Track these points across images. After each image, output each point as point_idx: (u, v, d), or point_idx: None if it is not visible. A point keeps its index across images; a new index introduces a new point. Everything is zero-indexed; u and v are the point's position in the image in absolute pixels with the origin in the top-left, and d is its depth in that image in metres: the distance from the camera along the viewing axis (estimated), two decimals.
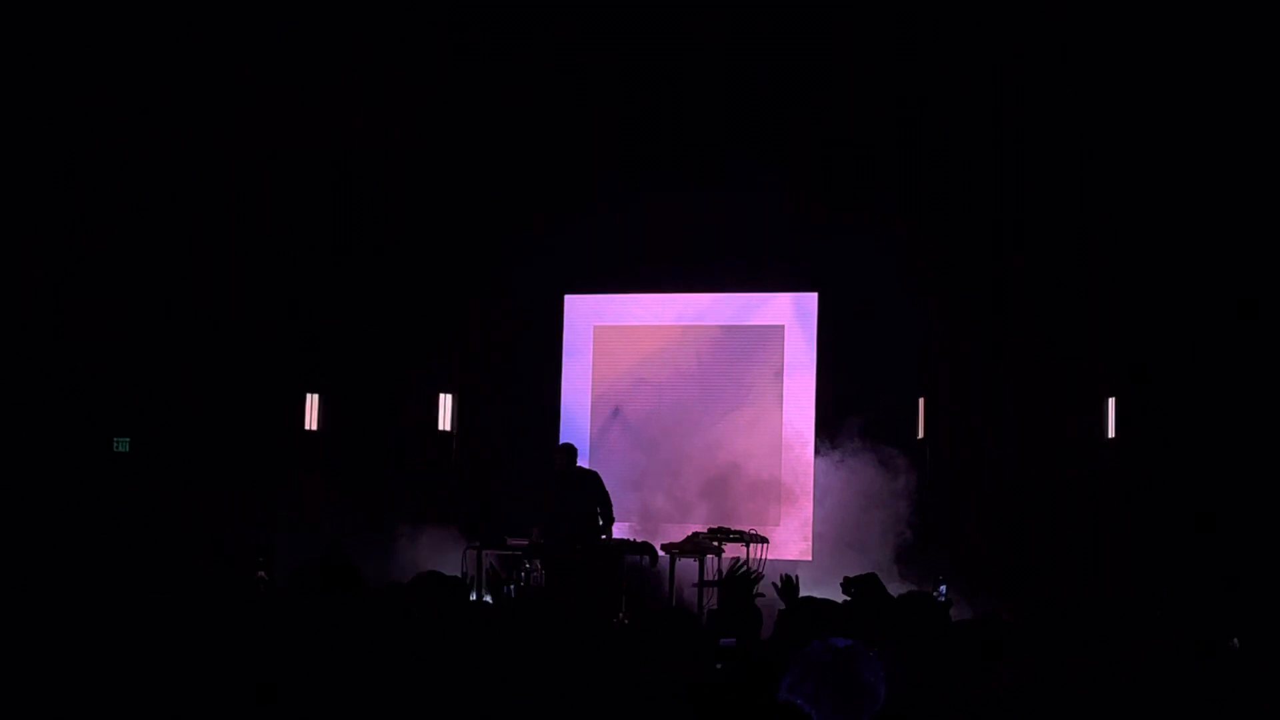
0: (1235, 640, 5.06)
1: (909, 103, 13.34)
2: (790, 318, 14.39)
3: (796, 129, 13.72)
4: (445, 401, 14.62)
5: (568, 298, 14.89)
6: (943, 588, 11.87)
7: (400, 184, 14.56)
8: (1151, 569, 11.41)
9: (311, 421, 14.52)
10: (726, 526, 12.45)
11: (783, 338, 14.36)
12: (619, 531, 12.64)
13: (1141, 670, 4.11)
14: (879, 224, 13.48)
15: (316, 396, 14.60)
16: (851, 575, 12.01)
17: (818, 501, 13.72)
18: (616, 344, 14.72)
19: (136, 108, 13.43)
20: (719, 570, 12.46)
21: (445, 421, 14.60)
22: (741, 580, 5.85)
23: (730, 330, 14.50)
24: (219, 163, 13.89)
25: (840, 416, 13.54)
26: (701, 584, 12.00)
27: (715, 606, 9.71)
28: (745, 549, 12.50)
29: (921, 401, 13.55)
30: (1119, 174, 12.72)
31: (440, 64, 13.70)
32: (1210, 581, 10.15)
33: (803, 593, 7.85)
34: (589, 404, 14.71)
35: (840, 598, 7.27)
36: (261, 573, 7.97)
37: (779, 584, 6.50)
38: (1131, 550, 12.08)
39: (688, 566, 12.34)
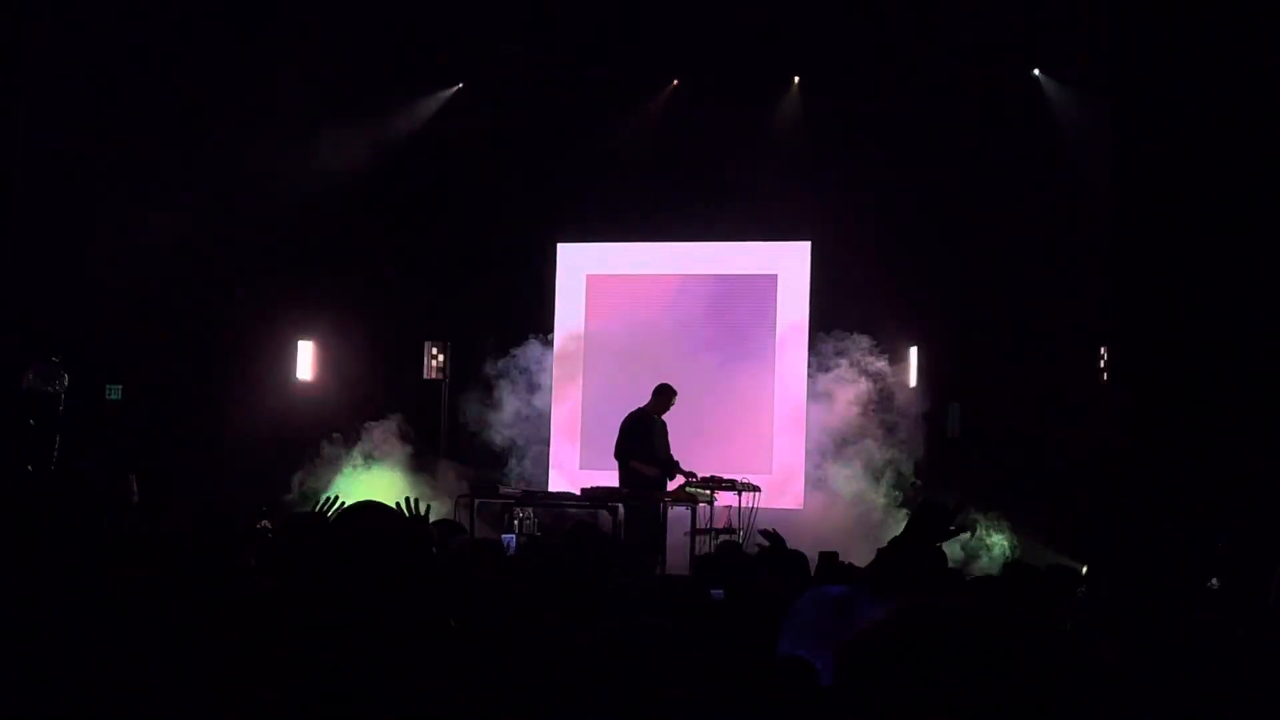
0: (1214, 581, 5.10)
1: (897, 52, 13.27)
2: (783, 267, 14.38)
3: (787, 78, 13.66)
4: (435, 350, 14.60)
5: (560, 246, 14.85)
6: None
7: (394, 132, 14.51)
8: (1139, 516, 11.48)
9: (305, 369, 14.55)
10: (718, 475, 12.46)
11: (775, 287, 14.35)
12: (608, 480, 12.67)
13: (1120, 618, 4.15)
14: (871, 173, 13.45)
15: (311, 344, 14.62)
16: (840, 526, 12.12)
17: (810, 449, 13.76)
18: (609, 292, 14.70)
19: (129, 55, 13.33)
20: (711, 519, 12.53)
21: (435, 369, 14.60)
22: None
23: (723, 279, 14.49)
24: (216, 112, 13.80)
25: (833, 365, 13.55)
26: (694, 532, 12.03)
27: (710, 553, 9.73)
28: (737, 497, 12.54)
29: (915, 350, 13.57)
30: (1114, 121, 12.69)
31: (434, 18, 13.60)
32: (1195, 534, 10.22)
33: (792, 542, 7.87)
34: (582, 352, 14.70)
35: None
36: (265, 522, 7.98)
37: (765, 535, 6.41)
38: (1122, 495, 12.14)
39: (680, 515, 12.37)
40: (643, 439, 12.44)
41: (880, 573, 4.60)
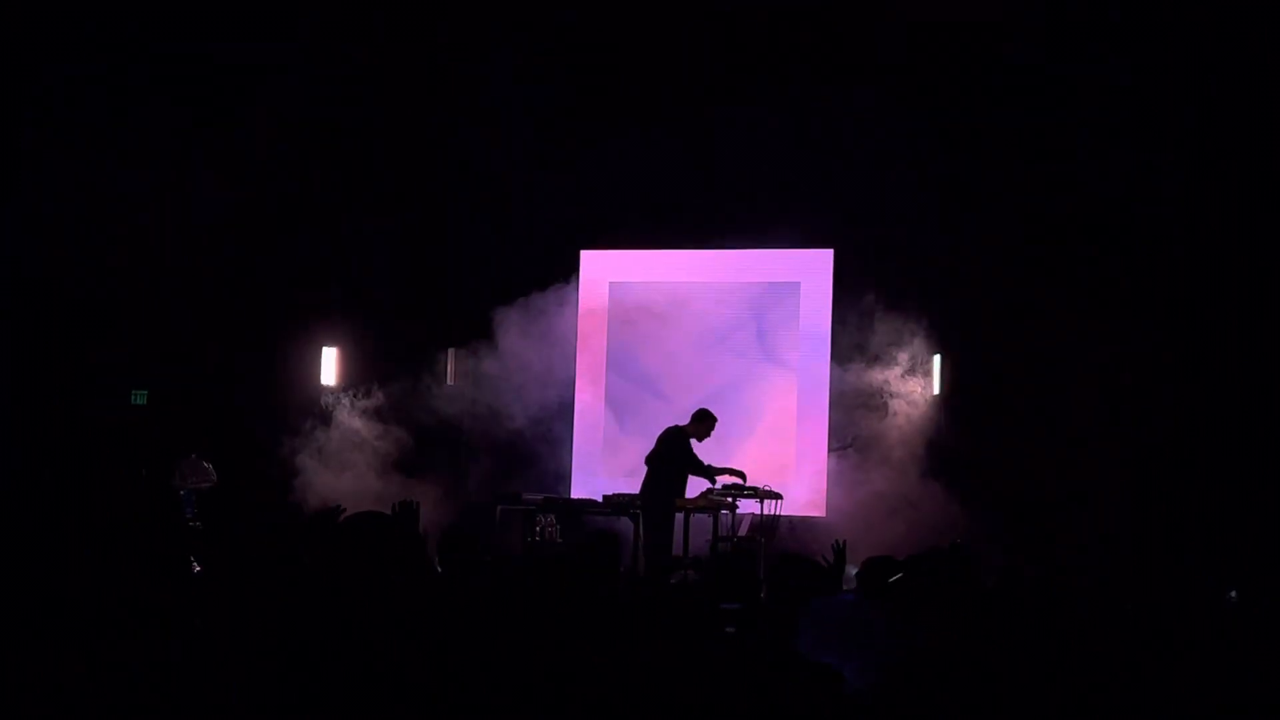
0: (1233, 593, 5.07)
1: (920, 58, 13.24)
2: (806, 274, 14.37)
3: (811, 87, 13.65)
4: (458, 357, 14.63)
5: (584, 253, 14.88)
6: None
7: (417, 141, 14.56)
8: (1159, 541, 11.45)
9: (329, 375, 14.60)
10: (740, 482, 12.47)
11: (798, 294, 14.35)
12: (630, 487, 12.69)
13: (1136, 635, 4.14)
14: (894, 180, 13.43)
15: (335, 350, 14.68)
16: (862, 532, 12.07)
17: (832, 456, 13.74)
18: (632, 299, 14.71)
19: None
20: (733, 526, 12.54)
21: (458, 376, 14.62)
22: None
23: (745, 286, 14.49)
24: (238, 120, 13.90)
25: (856, 373, 13.53)
26: (715, 540, 12.04)
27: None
28: (759, 505, 12.54)
29: (937, 358, 13.53)
30: (1135, 137, 12.65)
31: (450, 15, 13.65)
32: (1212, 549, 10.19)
33: (813, 548, 7.83)
34: (604, 359, 14.73)
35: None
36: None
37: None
38: (1143, 522, 12.11)
39: (702, 522, 12.38)
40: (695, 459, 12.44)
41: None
